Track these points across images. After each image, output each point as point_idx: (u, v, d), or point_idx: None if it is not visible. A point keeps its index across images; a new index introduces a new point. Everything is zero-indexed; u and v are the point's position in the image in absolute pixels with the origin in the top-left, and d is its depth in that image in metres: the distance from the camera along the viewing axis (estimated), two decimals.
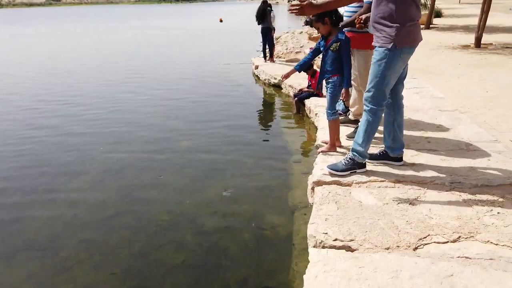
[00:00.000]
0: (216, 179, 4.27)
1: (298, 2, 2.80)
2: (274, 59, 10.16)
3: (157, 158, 4.85)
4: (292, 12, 2.80)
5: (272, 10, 10.00)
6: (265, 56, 10.23)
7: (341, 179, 2.94)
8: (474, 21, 11.17)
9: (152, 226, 3.41)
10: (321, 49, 3.52)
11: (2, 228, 3.49)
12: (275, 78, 8.47)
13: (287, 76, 3.72)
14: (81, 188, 4.16)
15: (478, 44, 9.81)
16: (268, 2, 10.00)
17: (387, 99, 2.91)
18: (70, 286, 2.72)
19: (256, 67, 9.86)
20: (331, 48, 3.38)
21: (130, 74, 10.72)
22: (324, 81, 3.63)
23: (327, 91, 3.53)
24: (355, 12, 3.63)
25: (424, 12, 14.16)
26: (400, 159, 3.13)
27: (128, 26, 34.37)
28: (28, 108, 7.41)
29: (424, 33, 12.55)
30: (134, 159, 4.88)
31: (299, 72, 3.79)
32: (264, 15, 9.87)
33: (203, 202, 3.79)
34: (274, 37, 10.21)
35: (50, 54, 15.70)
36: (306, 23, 5.72)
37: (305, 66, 3.75)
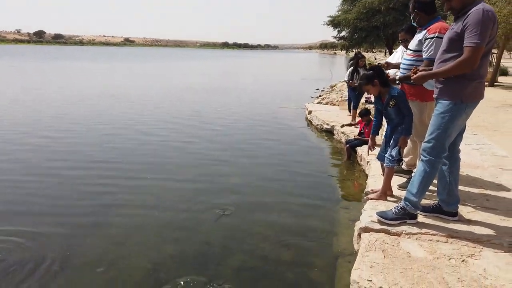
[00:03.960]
0: (262, 218, 4.30)
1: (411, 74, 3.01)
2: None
3: (206, 196, 4.95)
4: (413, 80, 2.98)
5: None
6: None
7: (390, 228, 2.87)
8: None
9: (200, 254, 3.48)
10: (379, 108, 3.63)
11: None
12: (328, 124, 8.54)
13: (373, 145, 3.89)
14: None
15: None
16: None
17: (446, 151, 2.86)
18: None
19: (310, 112, 10.02)
20: (390, 105, 3.48)
21: (189, 111, 11.34)
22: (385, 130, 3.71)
23: (393, 138, 3.56)
24: (412, 65, 3.67)
25: (489, 70, 13.78)
26: (455, 214, 3.01)
27: (192, 67, 36.63)
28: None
29: (488, 90, 12.21)
30: (183, 196, 5.08)
31: (377, 135, 3.94)
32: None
33: (247, 238, 3.82)
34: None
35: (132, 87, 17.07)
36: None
37: (378, 129, 3.88)
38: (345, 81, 8.92)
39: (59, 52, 62.02)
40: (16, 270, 3.20)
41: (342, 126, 7.73)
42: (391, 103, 3.46)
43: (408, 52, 3.78)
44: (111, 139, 7.72)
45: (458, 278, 2.24)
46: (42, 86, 17.02)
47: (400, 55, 4.43)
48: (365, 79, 3.52)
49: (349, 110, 9.26)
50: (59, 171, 5.74)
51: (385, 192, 3.53)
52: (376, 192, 3.71)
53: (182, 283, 3.03)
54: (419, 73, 2.90)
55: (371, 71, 3.55)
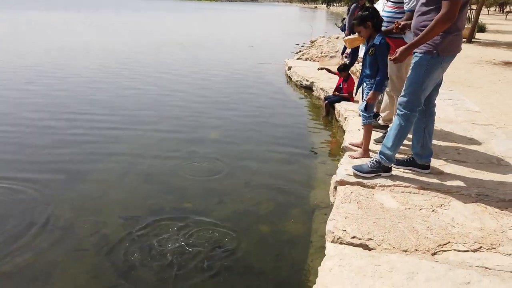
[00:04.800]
0: (240, 171, 4.33)
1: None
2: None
3: (186, 147, 4.97)
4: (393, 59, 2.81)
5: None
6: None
7: (365, 181, 2.94)
8: None
9: (171, 211, 3.48)
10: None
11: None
12: (307, 80, 8.48)
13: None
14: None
15: None
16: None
17: (422, 105, 2.89)
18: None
19: (289, 68, 9.89)
20: (369, 53, 3.37)
21: (168, 65, 11.01)
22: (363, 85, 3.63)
23: (364, 93, 3.52)
24: (393, 18, 3.60)
25: (467, 26, 13.79)
26: (427, 167, 3.10)
27: (167, 21, 35.22)
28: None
29: (465, 46, 12.30)
30: (164, 146, 5.03)
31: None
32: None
33: (224, 191, 3.86)
34: None
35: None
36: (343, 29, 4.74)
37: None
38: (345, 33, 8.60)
39: (29, 2, 58.08)
40: None
41: (321, 69, 7.44)
42: (370, 51, 3.32)
43: (389, 4, 3.71)
44: (88, 91, 7.61)
45: (428, 227, 2.34)
46: (14, 37, 16.06)
47: (381, 8, 4.33)
48: (359, 19, 3.28)
49: (342, 53, 9.24)
50: (37, 122, 5.69)
51: (367, 150, 3.51)
52: (355, 145, 3.76)
53: (160, 231, 3.09)
54: (399, 51, 2.78)
55: (366, 12, 3.28)
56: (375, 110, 4.28)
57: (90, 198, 3.66)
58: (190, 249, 2.90)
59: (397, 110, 2.94)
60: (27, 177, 3.96)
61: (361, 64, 3.67)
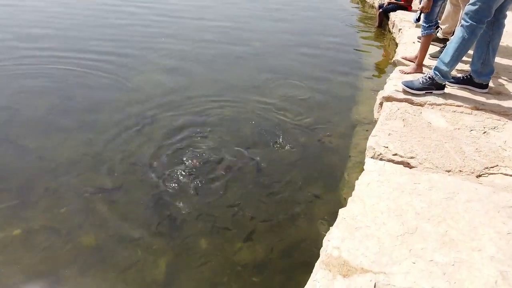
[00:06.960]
0: (282, 81, 4.24)
1: None
2: None
3: (229, 55, 4.89)
4: None
5: None
6: None
7: (413, 98, 2.78)
8: None
9: (214, 119, 3.55)
10: None
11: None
12: None
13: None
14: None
15: None
16: None
17: (492, 16, 2.56)
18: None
19: None
20: None
21: None
22: None
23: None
24: None
25: None
26: (485, 86, 2.86)
27: None
28: None
29: None
30: (209, 51, 4.98)
31: None
32: None
33: (266, 98, 3.86)
34: None
35: None
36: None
37: None
38: None
39: None
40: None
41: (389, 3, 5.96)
42: None
43: None
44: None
45: (476, 149, 2.23)
46: None
47: None
48: None
49: None
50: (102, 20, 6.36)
51: (421, 64, 3.24)
52: (408, 59, 3.52)
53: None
54: None
55: None
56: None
57: (160, 78, 4.23)
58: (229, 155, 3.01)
59: (462, 21, 2.62)
60: (107, 59, 4.56)
61: None
